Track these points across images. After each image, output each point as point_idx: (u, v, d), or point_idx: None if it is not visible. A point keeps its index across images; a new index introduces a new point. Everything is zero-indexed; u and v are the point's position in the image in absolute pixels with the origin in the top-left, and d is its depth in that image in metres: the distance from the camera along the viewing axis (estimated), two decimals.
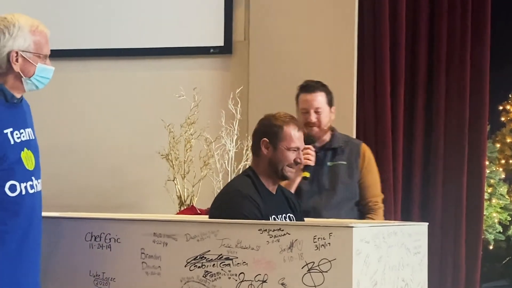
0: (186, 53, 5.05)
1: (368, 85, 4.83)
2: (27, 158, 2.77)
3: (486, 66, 4.83)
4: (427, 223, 3.31)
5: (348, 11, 4.77)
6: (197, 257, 2.73)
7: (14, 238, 2.72)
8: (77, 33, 5.14)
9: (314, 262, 2.56)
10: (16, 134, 2.74)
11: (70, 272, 2.96)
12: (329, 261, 2.54)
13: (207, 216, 3.35)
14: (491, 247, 6.40)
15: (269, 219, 3.02)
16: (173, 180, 4.55)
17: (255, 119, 3.30)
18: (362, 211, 3.84)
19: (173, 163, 4.56)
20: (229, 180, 4.26)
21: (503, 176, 6.77)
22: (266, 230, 2.63)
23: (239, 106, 4.55)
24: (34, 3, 5.14)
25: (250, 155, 3.60)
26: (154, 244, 2.81)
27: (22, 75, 2.76)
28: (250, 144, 3.55)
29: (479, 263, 4.81)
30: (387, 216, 4.63)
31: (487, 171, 6.05)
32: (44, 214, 2.86)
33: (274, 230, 2.62)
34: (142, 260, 2.83)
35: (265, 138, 3.11)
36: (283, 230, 2.61)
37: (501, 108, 7.51)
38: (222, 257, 2.69)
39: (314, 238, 2.56)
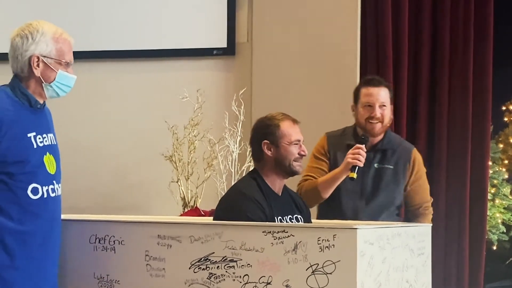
0: (189, 55, 5.05)
1: None
2: (49, 163, 2.84)
3: (489, 66, 4.83)
4: (431, 224, 3.31)
5: (351, 13, 4.78)
6: (201, 259, 2.73)
7: (35, 240, 2.78)
8: (80, 35, 5.11)
9: (318, 264, 2.56)
10: (39, 138, 2.80)
11: (75, 275, 2.97)
12: (333, 263, 2.55)
13: (211, 217, 3.36)
14: (494, 248, 6.40)
15: (275, 221, 3.03)
16: (177, 182, 4.56)
17: None
18: (410, 216, 3.78)
19: (177, 164, 4.56)
20: (232, 182, 4.29)
21: (506, 176, 6.75)
22: (270, 232, 2.63)
23: (242, 107, 4.56)
24: (35, 5, 5.15)
25: None
26: (159, 246, 2.81)
27: (43, 81, 2.81)
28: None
29: (482, 263, 4.82)
30: None
31: (490, 171, 6.04)
32: None
33: (278, 232, 2.62)
34: (146, 262, 2.84)
35: (265, 140, 3.12)
36: (287, 232, 2.62)
37: (504, 108, 7.50)
38: (226, 259, 2.69)
39: (318, 240, 2.57)
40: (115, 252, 2.90)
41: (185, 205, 4.55)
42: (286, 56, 4.83)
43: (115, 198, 4.98)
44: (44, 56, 2.80)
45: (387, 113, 3.68)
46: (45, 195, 2.80)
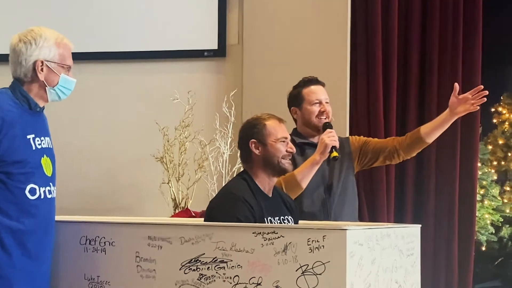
0: (180, 56, 5.06)
1: (361, 86, 4.86)
2: (46, 165, 2.91)
3: (478, 67, 4.85)
4: (420, 225, 3.33)
5: (341, 13, 4.80)
6: (191, 260, 2.74)
7: (31, 240, 2.82)
8: (70, 37, 5.09)
9: (308, 265, 2.58)
10: (37, 140, 2.88)
11: (65, 276, 2.97)
12: (323, 264, 2.56)
13: (202, 218, 3.37)
14: (483, 248, 6.42)
15: (265, 222, 3.04)
16: (168, 183, 4.57)
17: None
18: (393, 155, 3.79)
19: (168, 166, 4.57)
20: (223, 183, 4.30)
21: (495, 177, 6.78)
22: (260, 233, 2.65)
23: (233, 109, 4.57)
24: (30, 7, 5.15)
25: None
26: (149, 247, 2.82)
27: (46, 84, 2.89)
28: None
29: (471, 264, 4.84)
30: (380, 219, 4.66)
31: (479, 172, 6.07)
32: None
33: (268, 233, 2.64)
34: (137, 263, 2.84)
35: (252, 140, 3.14)
36: (277, 233, 2.63)
37: (493, 110, 7.52)
38: (216, 260, 2.70)
39: (308, 241, 2.58)
40: (105, 254, 2.91)
41: (176, 206, 4.55)
42: (277, 58, 4.85)
43: (106, 200, 4.98)
44: (48, 61, 2.88)
45: (330, 110, 3.76)
46: (42, 196, 2.86)
